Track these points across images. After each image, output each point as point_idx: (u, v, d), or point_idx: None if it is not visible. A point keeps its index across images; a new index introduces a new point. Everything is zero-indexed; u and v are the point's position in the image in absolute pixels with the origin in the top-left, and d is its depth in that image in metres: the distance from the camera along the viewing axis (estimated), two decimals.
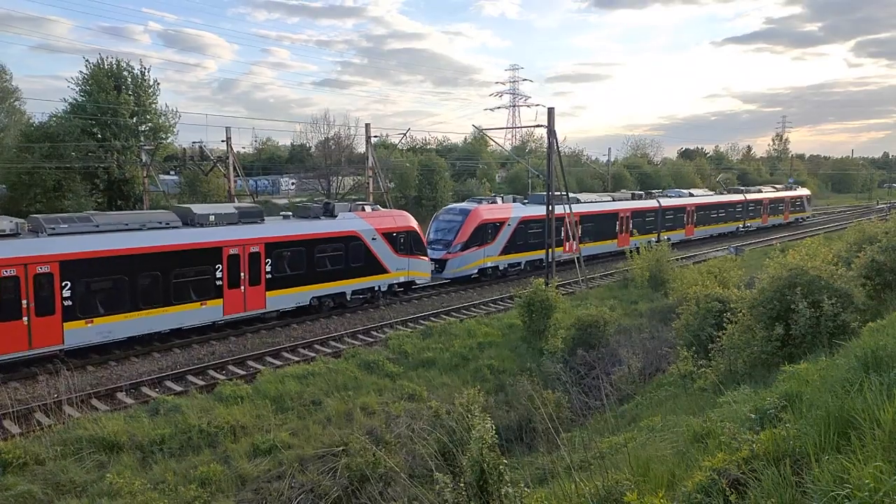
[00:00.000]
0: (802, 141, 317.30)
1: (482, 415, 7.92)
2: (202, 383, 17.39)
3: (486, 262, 31.21)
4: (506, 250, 32.02)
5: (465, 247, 30.01)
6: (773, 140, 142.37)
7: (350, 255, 24.40)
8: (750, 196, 54.54)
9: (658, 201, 43.83)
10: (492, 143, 64.90)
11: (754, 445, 5.15)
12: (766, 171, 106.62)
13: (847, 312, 10.78)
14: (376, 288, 25.69)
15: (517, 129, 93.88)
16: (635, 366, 16.98)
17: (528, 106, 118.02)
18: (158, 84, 40.36)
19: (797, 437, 5.07)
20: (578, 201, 37.26)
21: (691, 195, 49.05)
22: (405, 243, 26.37)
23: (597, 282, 32.33)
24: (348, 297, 24.74)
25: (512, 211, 32.74)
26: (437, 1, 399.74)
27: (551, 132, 28.85)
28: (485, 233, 30.81)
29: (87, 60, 38.12)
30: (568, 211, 31.24)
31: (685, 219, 46.09)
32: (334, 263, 23.99)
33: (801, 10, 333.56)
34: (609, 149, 70.61)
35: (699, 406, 10.47)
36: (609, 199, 40.96)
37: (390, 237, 25.79)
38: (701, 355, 13.71)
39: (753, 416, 6.34)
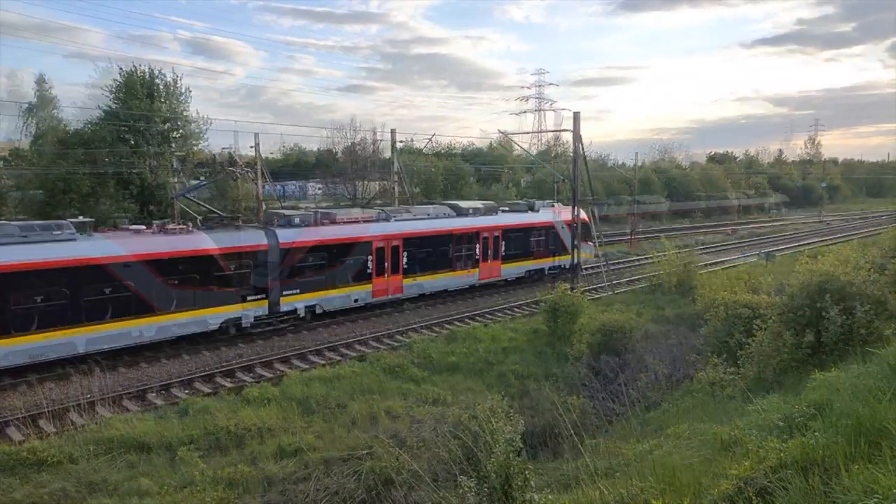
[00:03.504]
0: (836, 144, 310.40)
1: (515, 416, 7.91)
2: (230, 385, 17.66)
3: None
4: None
5: None
6: (805, 143, 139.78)
7: None
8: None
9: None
10: (517, 147, 64.82)
11: (782, 454, 5.09)
12: (798, 175, 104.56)
13: (881, 319, 10.55)
14: None
15: (542, 134, 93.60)
16: (662, 372, 16.77)
17: (553, 110, 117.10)
18: (190, 91, 41.12)
19: (826, 446, 4.99)
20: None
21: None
22: None
23: (623, 287, 32.04)
24: None
25: None
26: (461, 6, 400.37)
27: (577, 136, 28.74)
28: None
29: (120, 68, 39.01)
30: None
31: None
32: None
33: (833, 10, 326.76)
34: (636, 153, 69.94)
35: (727, 414, 10.32)
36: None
37: None
38: (729, 362, 13.52)
39: (782, 424, 6.25)
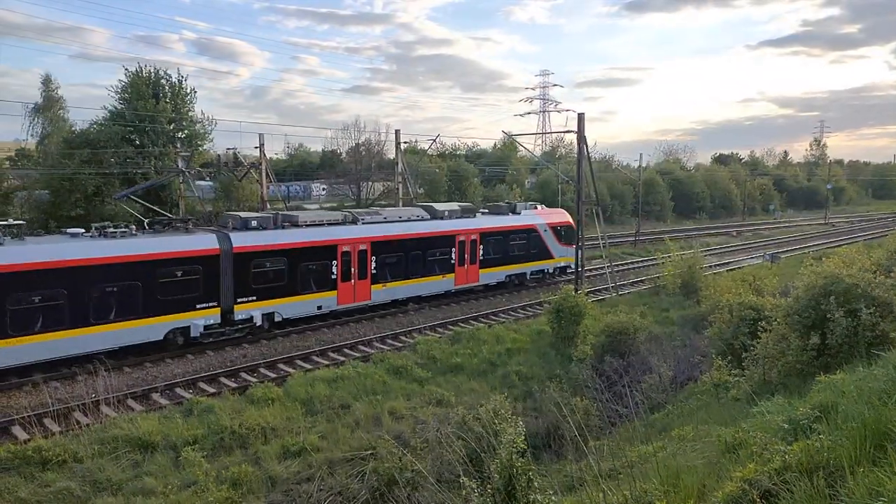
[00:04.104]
0: (841, 146, 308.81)
1: (514, 418, 7.94)
2: (234, 385, 17.70)
3: None
4: None
5: None
6: (810, 145, 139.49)
7: None
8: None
9: None
10: (521, 148, 64.78)
11: (787, 456, 5.08)
12: (803, 176, 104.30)
13: (886, 322, 10.51)
14: None
15: (547, 135, 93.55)
16: (666, 374, 16.75)
17: (557, 111, 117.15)
18: (195, 92, 41.27)
19: (831, 448, 4.98)
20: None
21: None
22: None
23: (628, 289, 31.99)
24: None
25: None
26: (466, 7, 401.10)
27: (581, 138, 28.71)
28: None
29: (126, 69, 39.19)
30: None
31: None
32: None
33: (839, 11, 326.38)
34: (640, 154, 69.84)
35: (732, 416, 10.29)
36: None
37: None
38: (734, 364, 13.50)
39: (786, 426, 6.23)
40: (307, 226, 23.63)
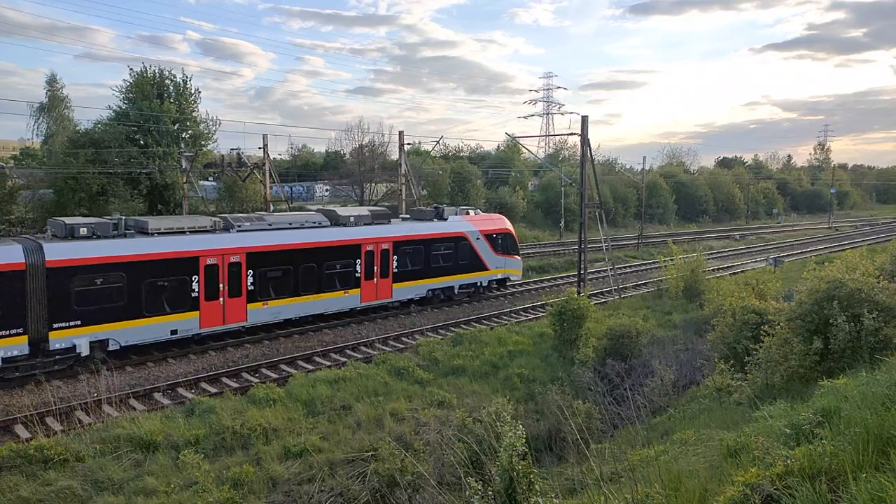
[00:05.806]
0: (846, 150, 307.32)
1: (513, 422, 7.94)
2: (236, 385, 17.71)
3: None
4: None
5: None
6: (814, 149, 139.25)
7: None
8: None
9: None
10: (525, 150, 64.81)
11: (789, 461, 5.07)
12: (807, 180, 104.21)
13: (889, 327, 10.49)
14: None
15: (550, 137, 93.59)
16: (668, 378, 16.72)
17: (561, 114, 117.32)
18: (199, 92, 41.40)
19: (834, 453, 4.96)
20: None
21: None
22: None
23: (630, 292, 31.96)
24: None
25: None
26: (470, 9, 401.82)
27: (585, 140, 28.69)
28: None
29: (130, 69, 39.31)
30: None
31: None
32: None
33: (844, 15, 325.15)
34: (644, 157, 69.81)
35: (734, 420, 10.28)
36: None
37: None
38: (737, 368, 13.48)
39: (789, 431, 6.22)
40: (160, 234, 20.00)
